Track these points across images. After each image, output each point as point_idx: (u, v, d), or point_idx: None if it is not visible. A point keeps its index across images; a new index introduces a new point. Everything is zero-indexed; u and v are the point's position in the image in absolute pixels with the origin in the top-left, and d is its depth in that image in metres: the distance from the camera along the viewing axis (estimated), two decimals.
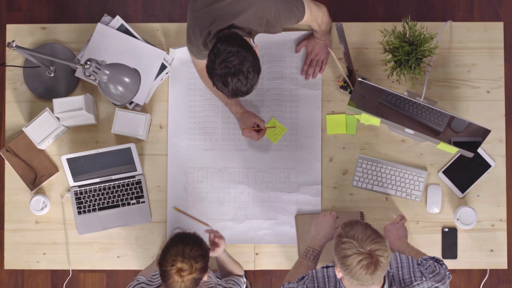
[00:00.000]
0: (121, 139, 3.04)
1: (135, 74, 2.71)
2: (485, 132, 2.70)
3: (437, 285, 2.44)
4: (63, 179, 3.04)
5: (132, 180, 3.01)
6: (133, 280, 2.59)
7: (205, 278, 2.44)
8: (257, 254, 3.01)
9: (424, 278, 2.43)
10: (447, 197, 3.00)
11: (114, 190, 3.00)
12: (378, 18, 3.75)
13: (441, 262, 2.54)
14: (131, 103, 3.03)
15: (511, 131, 3.72)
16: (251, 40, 2.63)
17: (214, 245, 2.68)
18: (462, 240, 2.99)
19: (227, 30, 2.52)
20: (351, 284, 2.32)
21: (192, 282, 2.37)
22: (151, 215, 3.01)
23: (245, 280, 2.70)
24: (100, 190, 3.00)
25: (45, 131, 2.95)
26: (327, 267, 2.51)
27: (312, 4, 2.73)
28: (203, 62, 2.90)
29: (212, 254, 2.66)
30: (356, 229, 2.27)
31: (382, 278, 2.30)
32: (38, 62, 2.89)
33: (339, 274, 2.31)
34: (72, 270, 3.09)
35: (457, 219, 2.93)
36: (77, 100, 2.90)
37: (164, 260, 2.37)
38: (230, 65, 2.44)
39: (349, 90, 2.99)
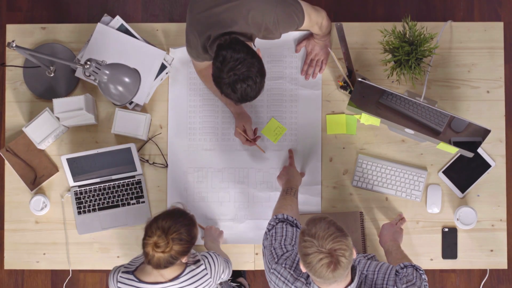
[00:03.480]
0: (121, 139, 3.04)
1: (135, 74, 2.71)
2: (485, 132, 2.70)
3: None
4: (63, 179, 3.04)
5: (132, 180, 3.01)
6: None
7: (183, 260, 2.46)
8: (257, 254, 3.01)
9: (395, 287, 2.42)
10: (447, 197, 3.00)
11: (114, 190, 3.00)
12: (378, 18, 3.75)
13: (421, 272, 2.53)
14: (131, 103, 3.03)
15: (511, 131, 3.72)
16: (252, 44, 2.63)
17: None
18: (462, 240, 2.99)
19: (228, 36, 2.52)
20: (315, 280, 2.33)
21: (166, 260, 2.41)
22: (151, 215, 3.01)
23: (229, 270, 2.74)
24: (100, 190, 3.00)
25: (45, 131, 2.95)
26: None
27: (311, 10, 2.73)
28: (203, 64, 2.90)
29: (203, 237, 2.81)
30: (318, 227, 2.25)
31: (345, 276, 2.30)
32: (38, 62, 2.89)
33: (303, 269, 2.31)
34: (72, 270, 3.09)
35: (457, 219, 2.93)
36: (77, 100, 2.90)
37: (150, 229, 2.42)
38: (239, 73, 2.45)
39: (349, 90, 2.99)
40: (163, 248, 2.38)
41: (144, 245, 2.41)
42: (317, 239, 2.23)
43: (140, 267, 2.57)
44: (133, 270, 2.56)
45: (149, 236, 2.39)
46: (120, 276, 2.55)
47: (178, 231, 2.39)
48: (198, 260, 2.56)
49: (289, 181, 2.83)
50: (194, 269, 2.55)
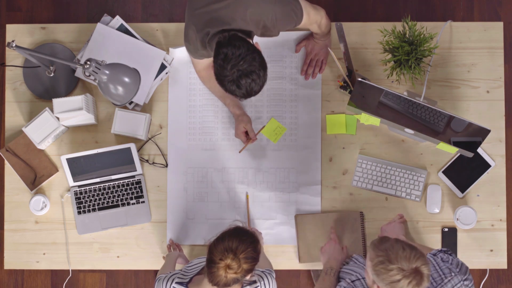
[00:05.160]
0: (121, 139, 3.04)
1: (135, 74, 2.71)
2: (485, 132, 2.70)
3: (465, 277, 2.45)
4: (63, 179, 3.04)
5: (132, 180, 3.01)
6: (157, 279, 2.60)
7: (247, 277, 2.43)
8: None
9: (453, 274, 2.44)
10: (447, 197, 3.00)
11: (114, 190, 3.00)
12: (378, 18, 3.75)
13: (449, 252, 2.55)
14: (131, 103, 3.03)
15: (511, 131, 3.72)
16: (250, 41, 2.63)
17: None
18: (462, 240, 2.99)
19: (227, 33, 2.52)
20: None
21: (234, 280, 2.37)
22: (151, 215, 3.01)
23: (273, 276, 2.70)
24: (100, 190, 3.00)
25: (45, 131, 2.95)
26: (360, 278, 2.52)
27: (310, 8, 2.73)
28: (202, 63, 2.91)
29: None
30: (395, 251, 2.26)
31: None
32: (38, 62, 2.89)
33: None
34: (72, 270, 3.09)
35: (457, 219, 2.93)
36: (77, 100, 2.90)
37: (216, 250, 2.36)
38: (242, 68, 2.46)
39: (349, 90, 2.99)
40: (235, 269, 2.34)
41: (215, 268, 2.35)
42: (400, 263, 2.25)
43: (195, 280, 2.52)
44: (187, 282, 2.52)
45: (221, 259, 2.34)
46: (173, 287, 2.51)
47: (246, 250, 2.36)
48: (254, 281, 2.52)
49: (331, 261, 2.82)
50: None
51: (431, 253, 2.55)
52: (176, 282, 2.51)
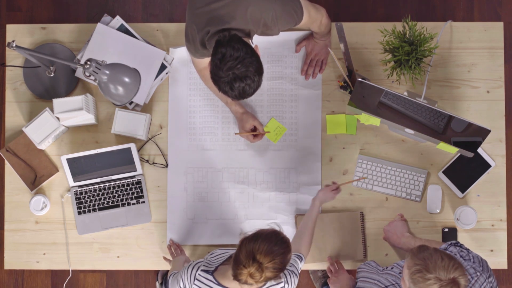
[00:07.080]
0: (121, 139, 3.04)
1: (135, 74, 2.71)
2: (485, 132, 2.70)
3: (488, 274, 2.46)
4: (63, 179, 3.03)
5: (132, 180, 3.01)
6: (170, 274, 2.62)
7: (268, 283, 2.44)
8: None
9: (478, 273, 2.44)
10: (447, 197, 3.00)
11: (114, 190, 3.00)
12: (378, 18, 3.75)
13: (460, 244, 2.55)
14: (131, 103, 3.03)
15: (511, 131, 3.72)
16: (250, 40, 2.63)
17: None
18: (462, 240, 2.99)
19: (227, 32, 2.52)
20: None
21: (256, 283, 2.38)
22: (151, 215, 3.01)
23: (302, 263, 2.70)
24: (100, 190, 3.00)
25: (45, 131, 2.95)
26: (394, 283, 2.53)
27: (310, 7, 2.73)
28: (203, 62, 2.91)
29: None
30: (434, 261, 2.26)
31: None
32: (38, 62, 2.89)
33: None
34: (72, 270, 3.09)
35: (457, 219, 2.93)
36: (77, 100, 2.90)
37: (246, 249, 2.34)
38: (238, 72, 2.45)
39: (349, 90, 2.99)
40: (257, 278, 2.34)
41: (239, 269, 2.34)
42: (438, 272, 2.25)
43: (221, 268, 2.53)
44: (212, 270, 2.52)
45: (245, 266, 2.32)
46: (199, 274, 2.51)
47: (273, 260, 2.33)
48: (279, 277, 2.49)
49: None
50: (274, 285, 2.52)
51: (441, 247, 2.55)
52: (202, 270, 2.52)
